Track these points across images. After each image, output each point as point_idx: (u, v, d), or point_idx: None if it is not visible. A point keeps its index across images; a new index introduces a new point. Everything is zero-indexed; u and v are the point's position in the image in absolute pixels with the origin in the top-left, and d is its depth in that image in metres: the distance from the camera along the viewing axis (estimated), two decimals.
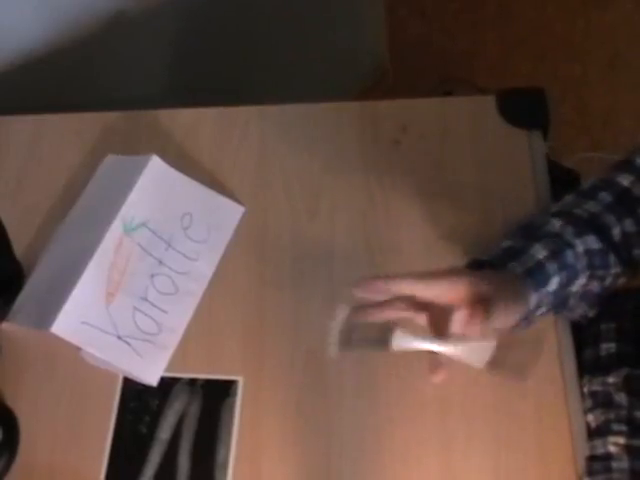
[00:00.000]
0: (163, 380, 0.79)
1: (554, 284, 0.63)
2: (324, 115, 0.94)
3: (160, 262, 0.83)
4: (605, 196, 0.67)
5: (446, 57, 1.90)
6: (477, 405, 0.74)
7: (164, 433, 0.77)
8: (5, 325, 0.82)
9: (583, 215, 0.66)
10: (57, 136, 0.98)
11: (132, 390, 0.79)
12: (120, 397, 0.79)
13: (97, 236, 0.81)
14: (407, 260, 0.82)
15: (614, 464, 0.69)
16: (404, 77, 1.85)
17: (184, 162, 0.90)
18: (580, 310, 0.69)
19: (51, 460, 0.77)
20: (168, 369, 0.79)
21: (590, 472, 0.69)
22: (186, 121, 0.96)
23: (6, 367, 0.82)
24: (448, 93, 1.64)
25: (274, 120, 0.95)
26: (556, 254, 0.63)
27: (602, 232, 0.65)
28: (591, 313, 0.70)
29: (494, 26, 1.93)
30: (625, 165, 0.70)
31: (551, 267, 0.62)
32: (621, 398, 0.71)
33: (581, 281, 0.65)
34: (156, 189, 0.86)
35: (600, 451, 0.70)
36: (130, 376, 0.79)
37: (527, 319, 0.64)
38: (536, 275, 0.62)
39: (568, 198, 0.71)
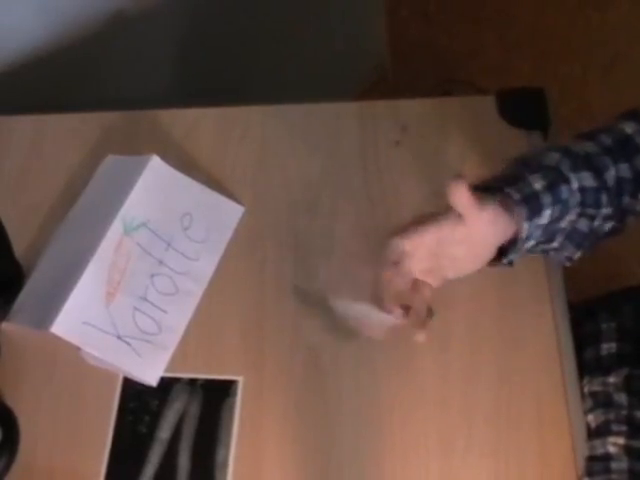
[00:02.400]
0: (163, 380, 0.79)
1: (546, 217, 0.62)
2: (324, 115, 0.94)
3: (160, 262, 0.83)
4: (605, 139, 0.66)
5: (446, 57, 1.90)
6: (477, 405, 0.74)
7: (164, 433, 0.77)
8: (5, 325, 0.82)
9: (580, 152, 0.65)
10: (57, 136, 0.98)
11: (132, 390, 0.79)
12: (120, 397, 0.79)
13: (97, 236, 0.81)
14: None
15: (613, 465, 0.69)
16: (404, 77, 1.85)
17: (184, 162, 0.90)
18: (566, 252, 0.68)
19: (51, 460, 0.77)
20: (168, 369, 0.79)
21: (589, 472, 0.69)
22: (186, 121, 0.96)
23: (6, 367, 0.82)
24: (448, 93, 1.64)
25: (274, 120, 0.95)
26: (552, 186, 0.62)
27: (597, 172, 0.64)
28: (576, 255, 0.69)
29: (494, 26, 1.93)
30: (632, 114, 0.68)
31: (546, 199, 0.62)
32: (621, 398, 0.71)
33: (571, 217, 0.64)
34: (156, 189, 0.86)
35: (599, 451, 0.70)
36: (130, 376, 0.79)
37: (514, 249, 0.64)
38: (531, 204, 0.61)
39: (569, 140, 0.70)
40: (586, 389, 0.75)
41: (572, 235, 0.66)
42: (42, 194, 0.92)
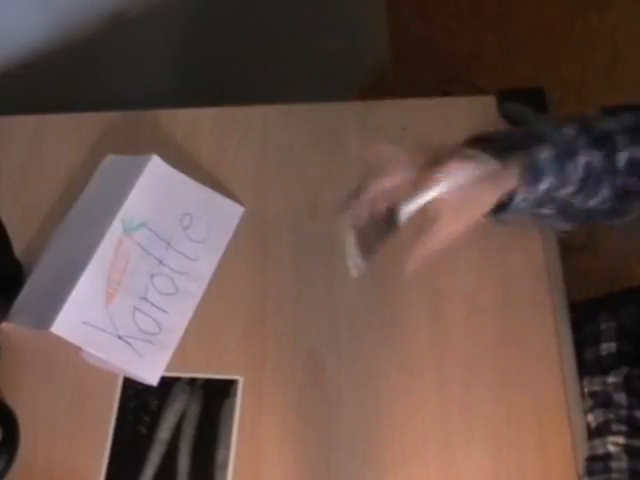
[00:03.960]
0: (163, 380, 0.79)
1: (545, 184, 0.62)
2: (324, 115, 0.94)
3: (160, 262, 0.83)
4: (628, 117, 0.65)
5: (446, 57, 1.90)
6: (477, 405, 0.74)
7: (164, 433, 0.77)
8: (5, 325, 0.82)
9: (598, 130, 0.64)
10: (57, 136, 0.98)
11: (132, 390, 0.79)
12: (120, 397, 0.79)
13: (97, 236, 0.81)
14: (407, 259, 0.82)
15: (613, 464, 0.69)
16: (404, 77, 1.85)
17: (184, 162, 0.90)
18: (556, 222, 0.67)
19: (51, 460, 0.77)
20: (168, 369, 0.79)
21: (590, 472, 0.69)
22: (186, 121, 0.96)
23: (6, 367, 0.82)
24: (448, 93, 1.64)
25: (274, 120, 0.95)
26: (560, 158, 0.62)
27: (610, 152, 0.63)
28: (568, 227, 0.68)
29: (494, 27, 1.93)
30: None
31: (550, 169, 0.61)
32: (621, 398, 0.71)
33: (568, 190, 0.64)
34: (156, 189, 0.86)
35: (599, 451, 0.70)
36: (130, 376, 0.79)
37: (506, 210, 0.63)
38: (534, 171, 0.61)
39: (592, 111, 0.69)
40: (586, 389, 0.75)
41: (565, 208, 0.66)
42: (42, 194, 0.92)
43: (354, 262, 0.64)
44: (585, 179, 0.63)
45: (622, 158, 0.63)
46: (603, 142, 0.63)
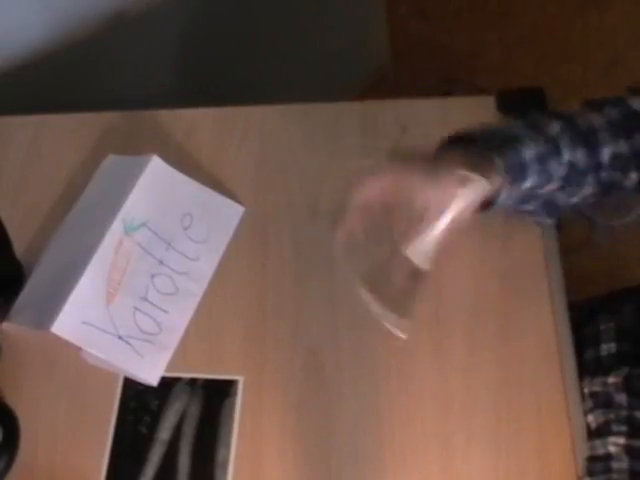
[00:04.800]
0: (163, 380, 0.79)
1: (528, 183, 0.61)
2: (324, 115, 0.94)
3: (160, 262, 0.83)
4: (610, 111, 0.65)
5: (446, 57, 1.90)
6: (477, 405, 0.74)
7: (164, 433, 0.77)
8: (5, 325, 0.82)
9: (582, 126, 0.64)
10: (57, 136, 0.98)
11: (132, 390, 0.79)
12: (120, 397, 0.79)
13: (97, 236, 0.81)
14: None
15: (614, 464, 0.69)
16: (404, 77, 1.85)
17: (184, 162, 0.90)
18: (538, 217, 0.67)
19: (51, 460, 0.77)
20: (168, 369, 0.79)
21: (590, 472, 0.69)
22: (186, 121, 0.96)
23: (6, 367, 0.82)
24: (448, 93, 1.64)
25: (274, 120, 0.95)
26: (543, 158, 0.61)
27: (593, 149, 0.63)
28: (548, 222, 0.68)
29: (494, 26, 1.93)
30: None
31: (533, 168, 0.61)
32: (621, 398, 0.71)
33: (551, 187, 0.64)
34: (156, 189, 0.86)
35: (600, 451, 0.70)
36: (130, 376, 0.79)
37: (491, 206, 0.63)
38: (516, 172, 0.60)
39: (576, 106, 0.69)
40: (586, 389, 0.75)
41: (548, 204, 0.65)
42: (42, 194, 0.92)
43: (392, 323, 0.63)
44: (568, 177, 0.62)
45: (605, 153, 0.63)
46: (587, 138, 0.63)
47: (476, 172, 0.59)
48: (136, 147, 0.92)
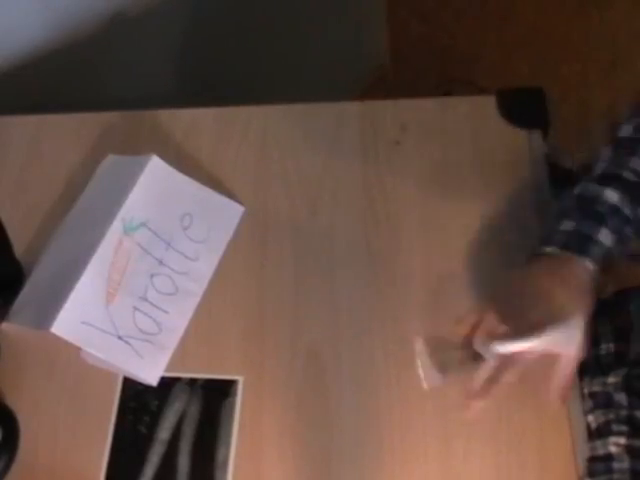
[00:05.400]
0: (163, 380, 0.79)
1: (603, 235, 0.64)
2: (324, 115, 0.94)
3: (160, 262, 0.83)
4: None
5: (446, 57, 1.91)
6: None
7: (164, 433, 0.77)
8: (5, 325, 0.82)
9: (631, 178, 0.65)
10: (57, 136, 0.98)
11: (132, 390, 0.79)
12: (120, 397, 0.79)
13: (97, 236, 0.81)
14: (407, 260, 0.82)
15: (615, 465, 0.68)
16: (404, 77, 1.85)
17: (184, 162, 0.90)
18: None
19: (51, 460, 0.77)
20: (168, 369, 0.79)
21: (591, 473, 0.69)
22: (186, 121, 0.96)
23: (6, 367, 0.82)
24: (448, 93, 1.64)
25: (274, 120, 0.95)
26: (619, 232, 0.64)
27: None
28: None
29: (494, 26, 1.93)
30: None
31: (586, 229, 0.64)
32: (621, 398, 0.71)
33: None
34: (156, 189, 0.86)
35: (601, 452, 0.70)
36: (130, 376, 0.79)
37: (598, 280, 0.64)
38: (601, 259, 0.63)
39: (606, 153, 0.70)
40: (586, 390, 0.75)
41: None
42: (42, 194, 0.92)
43: (425, 373, 0.67)
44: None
45: None
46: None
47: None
48: (136, 147, 0.92)
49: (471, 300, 0.78)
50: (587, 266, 0.63)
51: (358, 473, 0.73)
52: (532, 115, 0.88)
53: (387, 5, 1.76)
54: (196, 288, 0.83)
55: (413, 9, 1.98)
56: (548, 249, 0.66)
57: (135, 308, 0.80)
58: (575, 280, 0.63)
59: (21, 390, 0.81)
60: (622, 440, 0.69)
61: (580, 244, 0.64)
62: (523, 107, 0.89)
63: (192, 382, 0.79)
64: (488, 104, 0.89)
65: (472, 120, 0.90)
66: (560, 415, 0.72)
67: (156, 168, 0.86)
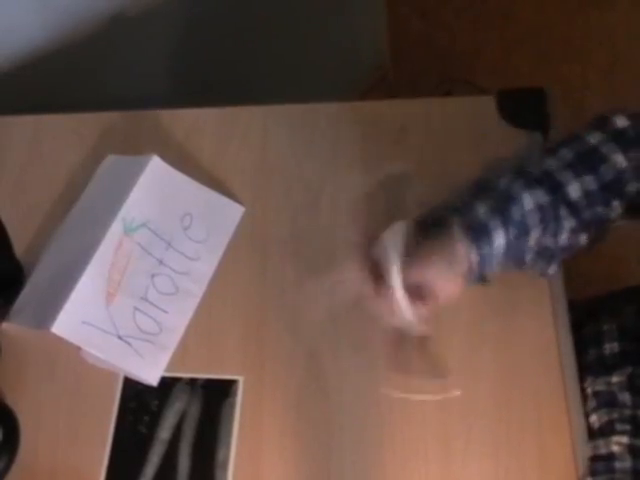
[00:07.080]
0: (163, 380, 0.79)
1: (500, 239, 0.61)
2: (324, 115, 0.94)
3: (160, 262, 0.83)
4: (566, 153, 0.64)
5: (446, 57, 1.91)
6: (477, 406, 0.74)
7: (164, 433, 0.77)
8: (5, 325, 0.82)
9: (535, 172, 0.64)
10: (57, 136, 0.98)
11: (132, 390, 0.79)
12: (120, 397, 0.79)
13: (97, 236, 0.81)
14: None
15: (617, 464, 0.69)
16: (404, 77, 1.85)
17: (184, 162, 0.90)
18: (538, 267, 0.67)
19: (51, 460, 0.77)
20: (168, 369, 0.79)
21: (593, 472, 0.69)
22: (187, 121, 0.96)
23: (6, 367, 0.82)
24: (448, 93, 1.64)
25: (274, 120, 0.94)
26: (499, 209, 0.62)
27: (553, 187, 0.63)
28: (550, 270, 0.68)
29: (495, 26, 1.93)
30: (598, 123, 0.66)
31: (493, 222, 0.61)
32: (625, 397, 0.71)
33: (535, 235, 0.63)
34: (156, 189, 0.86)
35: (603, 451, 0.70)
36: (130, 376, 0.79)
37: (476, 275, 0.63)
38: (476, 229, 0.61)
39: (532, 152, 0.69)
40: (590, 389, 0.75)
41: (541, 253, 0.65)
42: (42, 194, 0.92)
43: (436, 388, 0.69)
44: (543, 218, 0.62)
45: (574, 191, 0.63)
46: (540, 180, 0.63)
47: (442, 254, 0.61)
48: (136, 147, 0.92)
49: (470, 301, 0.78)
50: (453, 224, 0.62)
51: (358, 473, 0.73)
52: (532, 115, 0.88)
53: (387, 5, 1.76)
54: (196, 288, 0.83)
55: (413, 8, 1.98)
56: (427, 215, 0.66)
57: (135, 308, 0.80)
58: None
59: (21, 390, 0.81)
60: (625, 439, 0.69)
61: (450, 210, 0.63)
62: (523, 107, 0.89)
63: (192, 382, 0.79)
64: (488, 104, 0.89)
65: (472, 120, 0.90)
66: (560, 415, 0.72)
67: (156, 168, 0.86)
